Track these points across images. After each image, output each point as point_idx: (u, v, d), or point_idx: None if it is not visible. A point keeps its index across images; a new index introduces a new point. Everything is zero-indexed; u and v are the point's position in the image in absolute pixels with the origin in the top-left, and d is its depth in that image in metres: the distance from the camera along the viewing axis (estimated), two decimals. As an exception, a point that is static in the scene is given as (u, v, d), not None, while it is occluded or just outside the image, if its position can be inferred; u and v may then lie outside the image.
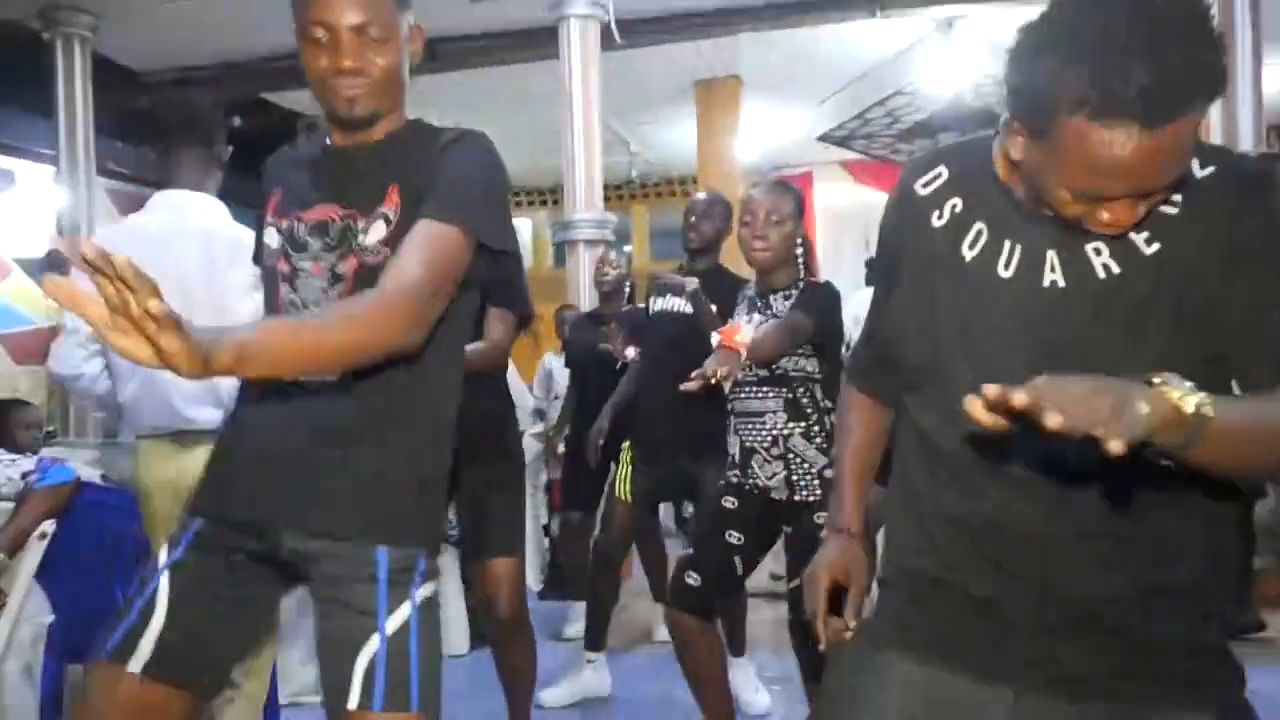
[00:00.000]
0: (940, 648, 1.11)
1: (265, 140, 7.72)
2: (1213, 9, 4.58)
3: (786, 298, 2.42)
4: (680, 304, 2.92)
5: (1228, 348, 1.00)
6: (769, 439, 2.36)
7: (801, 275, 2.44)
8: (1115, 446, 0.80)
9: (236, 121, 7.49)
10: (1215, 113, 4.78)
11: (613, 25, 5.14)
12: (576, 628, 3.71)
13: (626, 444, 3.18)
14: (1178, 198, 1.00)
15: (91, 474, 2.32)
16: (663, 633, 3.75)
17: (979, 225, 1.11)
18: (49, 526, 2.08)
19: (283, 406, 1.35)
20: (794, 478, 2.33)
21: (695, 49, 6.79)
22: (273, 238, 1.43)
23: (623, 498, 3.15)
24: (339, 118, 1.39)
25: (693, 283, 2.53)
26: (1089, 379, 0.86)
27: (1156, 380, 0.86)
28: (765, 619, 3.81)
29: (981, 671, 1.08)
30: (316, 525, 1.33)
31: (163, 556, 1.39)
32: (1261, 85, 4.88)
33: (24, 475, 2.06)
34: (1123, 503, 1.01)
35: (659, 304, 3.08)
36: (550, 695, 3.11)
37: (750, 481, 2.38)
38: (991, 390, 0.82)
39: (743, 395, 2.41)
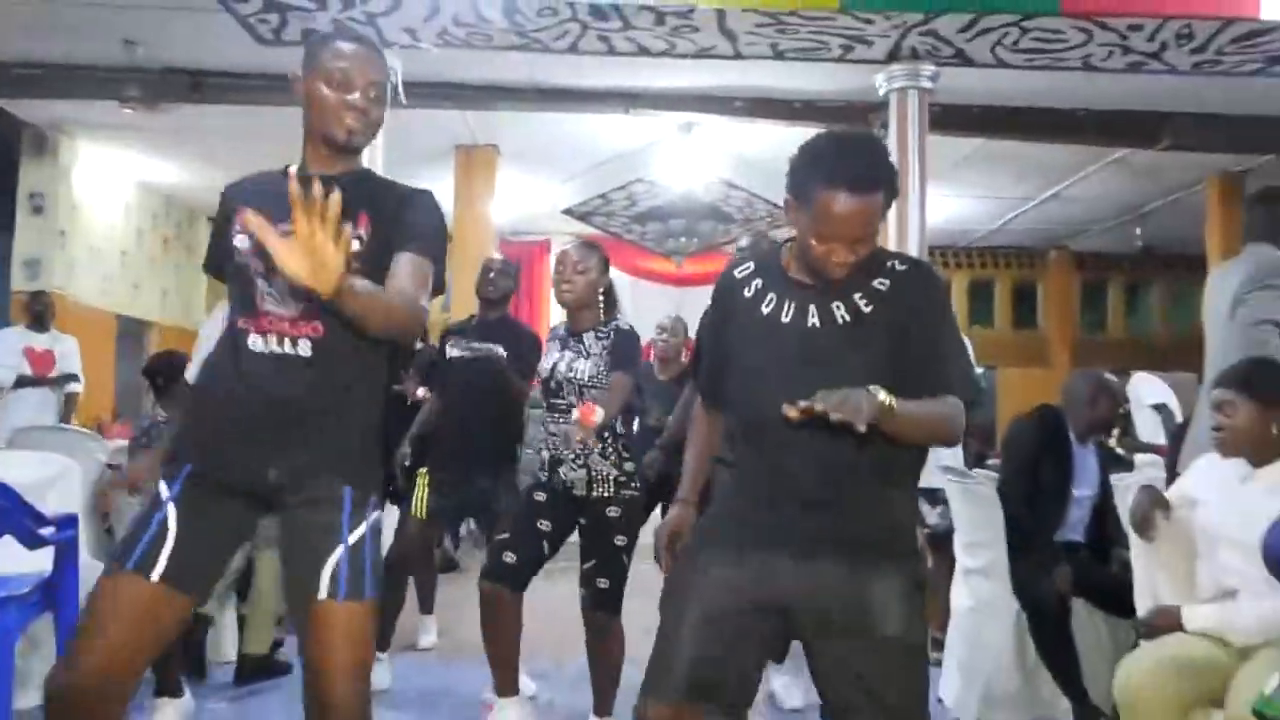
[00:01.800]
0: (739, 534, 1.77)
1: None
2: (890, 151, 5.79)
3: (598, 336, 2.99)
4: (468, 351, 3.48)
5: (913, 369, 1.71)
6: (574, 453, 2.91)
7: (602, 318, 3.03)
8: (861, 427, 1.50)
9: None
10: (893, 233, 5.98)
11: (399, 86, 5.51)
12: None
13: (422, 470, 3.59)
14: (885, 282, 1.76)
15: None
16: (426, 640, 4.14)
17: (771, 294, 1.83)
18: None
19: (279, 370, 1.72)
20: (592, 482, 2.91)
21: (460, 116, 7.25)
22: (244, 243, 1.77)
23: (417, 515, 3.56)
24: (335, 143, 1.78)
25: (498, 353, 3.24)
26: (843, 390, 1.54)
27: (871, 389, 1.56)
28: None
29: (764, 542, 1.75)
30: (300, 463, 1.72)
31: (164, 492, 1.72)
32: (925, 213, 6.15)
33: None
34: (839, 461, 1.72)
35: (453, 350, 3.57)
36: None
37: (557, 482, 2.93)
38: (801, 405, 1.51)
39: (555, 419, 2.96)
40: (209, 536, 1.74)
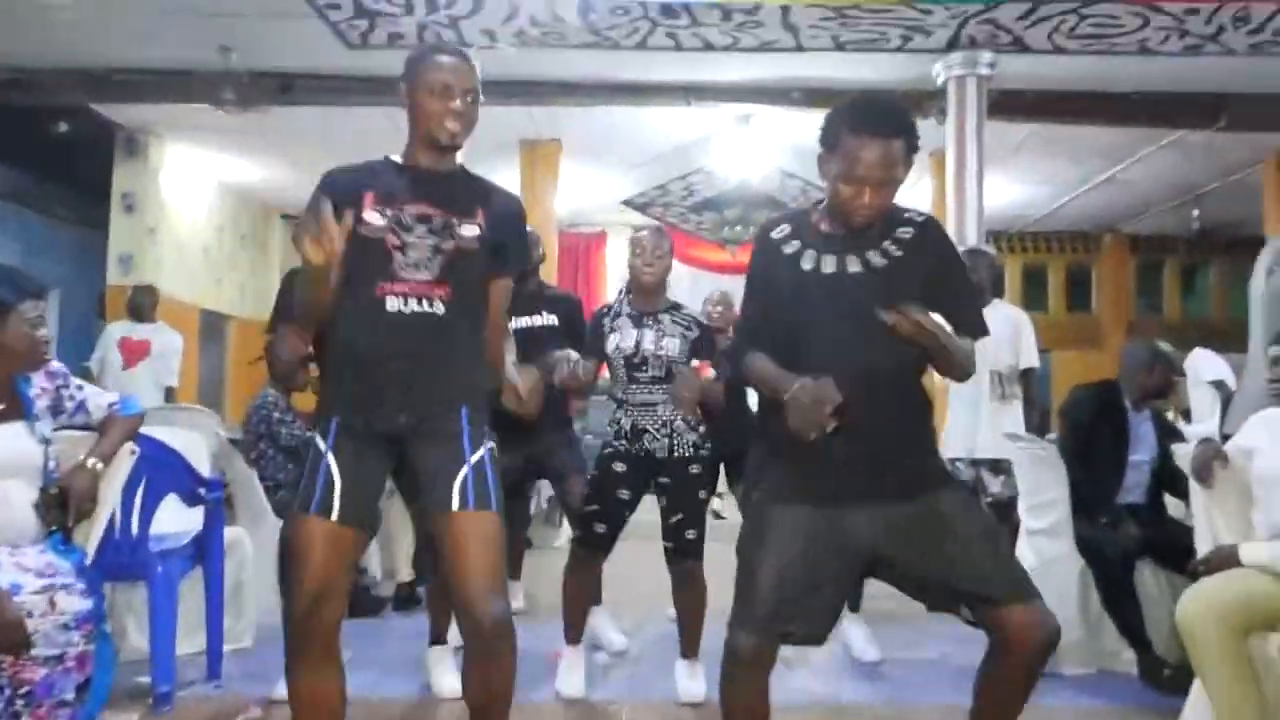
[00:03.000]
0: (812, 490, 1.98)
1: (86, 146, 7.79)
2: (947, 137, 5.94)
3: (674, 320, 3.26)
4: (538, 320, 3.73)
5: (940, 309, 1.95)
6: (659, 422, 3.18)
7: (670, 302, 3.31)
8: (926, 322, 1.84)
9: (63, 127, 7.49)
10: (951, 218, 6.17)
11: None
12: None
13: None
14: (908, 230, 2.02)
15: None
16: (514, 604, 4.42)
17: (810, 250, 2.05)
18: (134, 446, 2.52)
19: (420, 326, 2.02)
20: (674, 445, 3.19)
21: (526, 112, 7.53)
22: (376, 219, 2.03)
23: None
24: (438, 144, 2.07)
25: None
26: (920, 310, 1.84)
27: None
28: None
29: (836, 497, 1.96)
30: (427, 403, 2.03)
31: (321, 445, 2.02)
32: (983, 200, 6.33)
33: (110, 405, 2.49)
34: (894, 380, 1.97)
35: (518, 323, 3.80)
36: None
37: (638, 449, 3.20)
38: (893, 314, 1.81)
39: (637, 391, 3.22)
40: (366, 478, 2.03)
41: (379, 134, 7.32)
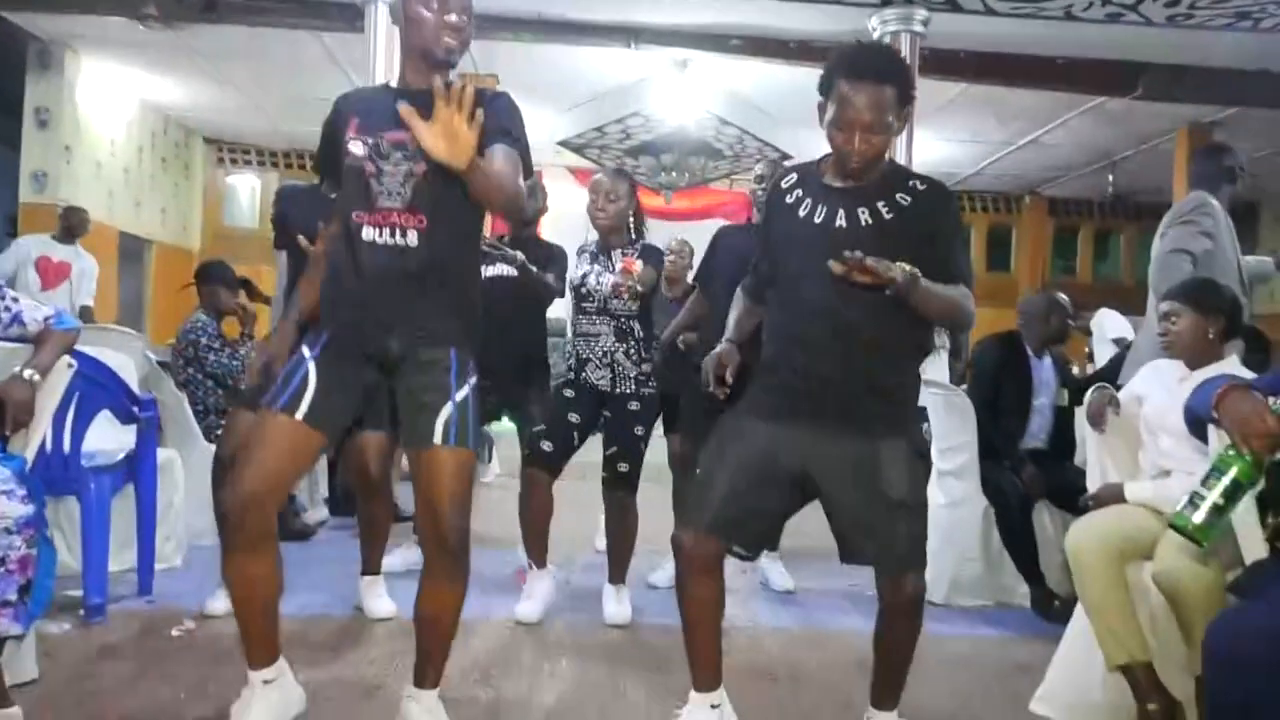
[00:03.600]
0: (773, 409, 2.12)
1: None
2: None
3: (624, 253, 3.35)
4: (507, 270, 3.76)
5: (930, 268, 2.03)
6: (600, 353, 3.28)
7: (633, 238, 3.39)
8: (894, 276, 1.93)
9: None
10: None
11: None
12: None
13: None
14: (907, 197, 2.09)
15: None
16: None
17: (808, 199, 2.15)
18: (70, 359, 2.51)
19: (392, 258, 2.05)
20: (616, 379, 3.29)
21: (463, 45, 7.43)
22: (358, 148, 2.07)
23: None
24: (434, 58, 2.07)
25: (519, 256, 3.43)
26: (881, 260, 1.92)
27: (906, 267, 1.92)
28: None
29: (793, 418, 2.10)
30: (415, 335, 2.08)
31: (306, 352, 2.09)
32: (913, 154, 6.50)
33: (45, 319, 2.47)
34: (868, 335, 2.08)
35: (489, 271, 3.86)
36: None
37: (584, 379, 3.30)
38: (847, 256, 1.90)
39: (583, 322, 3.32)
40: (341, 390, 2.10)
41: (311, 58, 7.26)
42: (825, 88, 2.07)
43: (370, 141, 2.07)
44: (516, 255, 3.58)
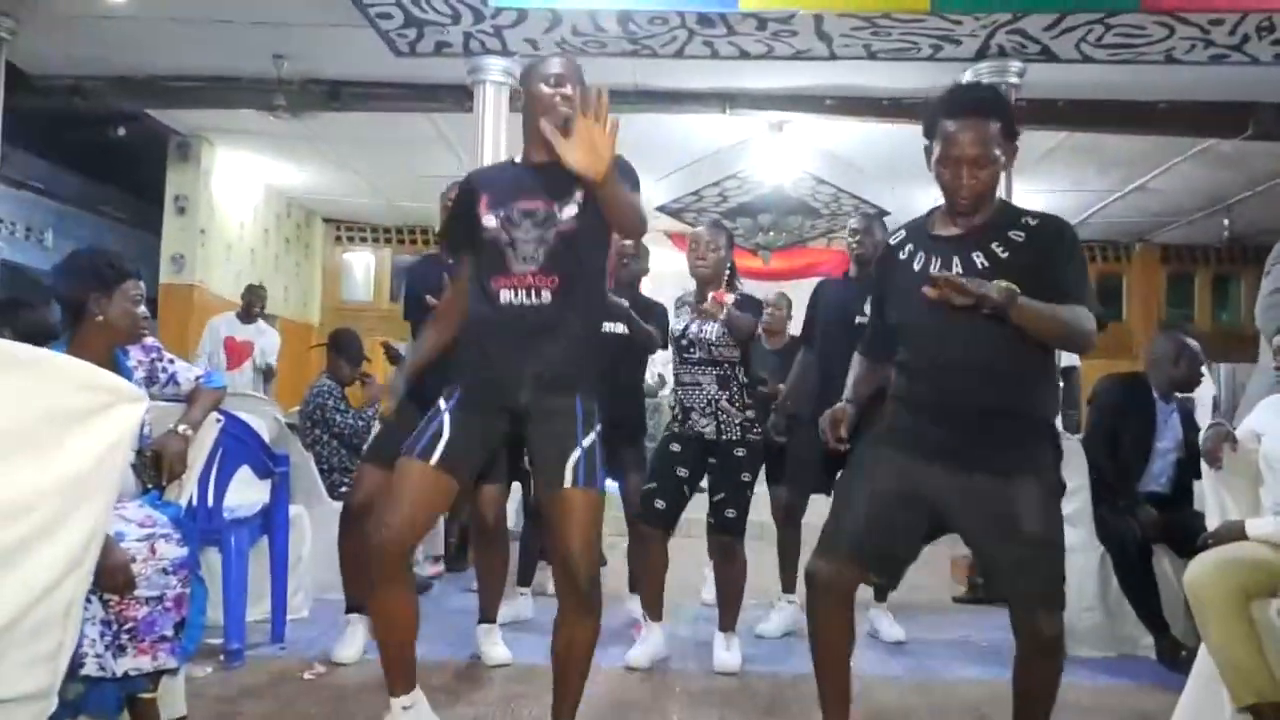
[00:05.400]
0: (907, 444, 2.15)
1: (141, 150, 8.14)
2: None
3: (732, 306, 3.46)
4: (616, 327, 3.90)
5: (1049, 295, 2.02)
6: (704, 401, 3.37)
7: (725, 289, 3.50)
8: (994, 292, 1.91)
9: (121, 131, 7.81)
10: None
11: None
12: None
13: None
14: (1020, 234, 2.11)
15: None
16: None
17: (920, 253, 2.19)
18: (218, 415, 2.74)
19: (527, 315, 2.22)
20: (721, 426, 3.36)
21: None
22: (490, 220, 2.27)
23: None
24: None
25: (624, 303, 3.59)
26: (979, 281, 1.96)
27: (1003, 284, 1.95)
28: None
29: (927, 456, 2.12)
30: (543, 386, 2.23)
31: (443, 404, 2.26)
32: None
33: (197, 378, 2.71)
34: (992, 369, 2.09)
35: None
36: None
37: (689, 429, 3.38)
38: (936, 277, 1.94)
39: (686, 372, 3.41)
40: (473, 439, 2.26)
41: (424, 140, 7.67)
42: (929, 129, 2.12)
43: (502, 214, 2.27)
44: (623, 303, 3.74)
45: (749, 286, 9.41)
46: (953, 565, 5.04)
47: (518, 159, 2.39)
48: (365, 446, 4.07)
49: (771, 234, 9.53)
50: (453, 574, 5.08)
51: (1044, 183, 8.95)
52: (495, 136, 6.04)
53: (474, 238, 2.31)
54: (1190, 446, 3.76)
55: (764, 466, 4.16)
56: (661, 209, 9.20)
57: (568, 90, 2.25)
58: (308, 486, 4.33)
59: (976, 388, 2.09)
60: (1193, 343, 3.92)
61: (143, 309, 2.57)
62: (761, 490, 4.20)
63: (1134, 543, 3.61)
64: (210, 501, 3.16)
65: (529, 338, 2.23)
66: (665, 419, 5.05)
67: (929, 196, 2.34)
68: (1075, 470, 3.81)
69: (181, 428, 2.57)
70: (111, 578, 2.09)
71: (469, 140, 6.34)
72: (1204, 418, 5.68)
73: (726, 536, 3.38)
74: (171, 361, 2.68)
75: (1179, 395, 3.94)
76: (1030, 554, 2.06)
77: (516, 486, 4.20)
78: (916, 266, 2.17)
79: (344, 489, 4.28)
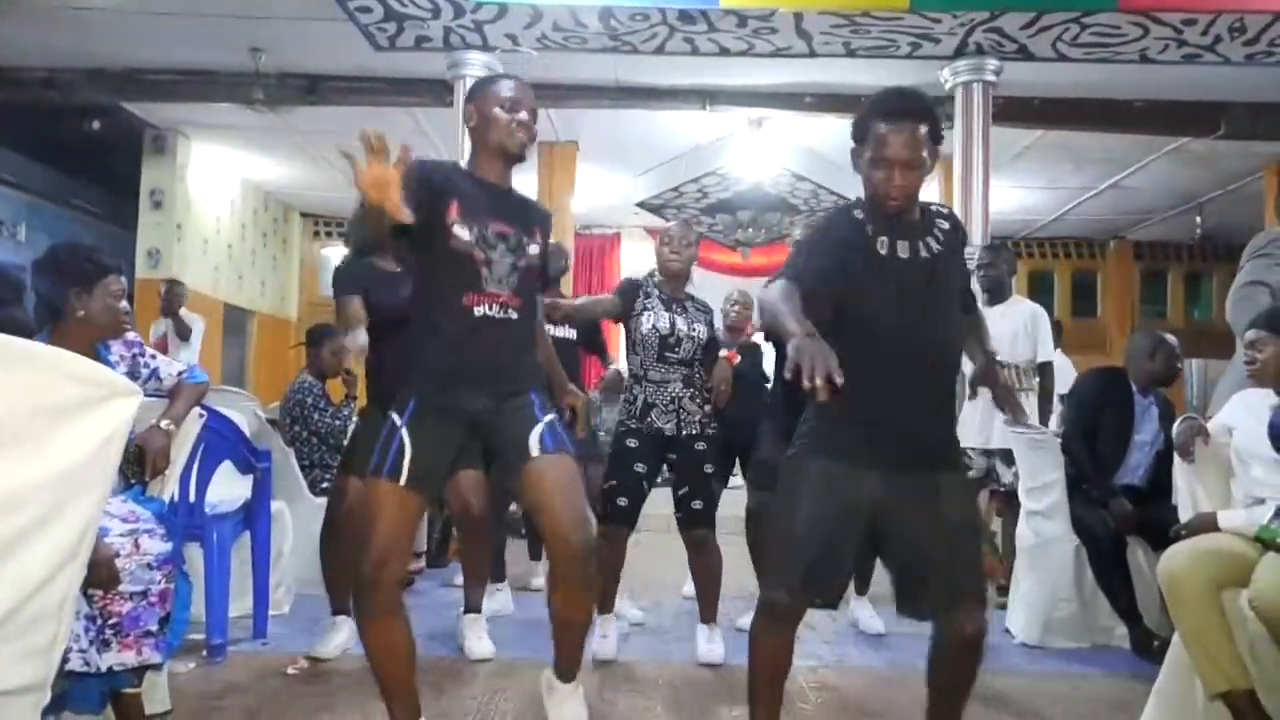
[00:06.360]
0: (839, 451, 2.13)
1: (116, 144, 8.09)
2: (954, 140, 6.13)
3: (696, 307, 3.52)
4: (565, 332, 3.96)
5: (960, 298, 2.20)
6: (667, 399, 3.40)
7: (688, 292, 3.55)
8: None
9: (95, 125, 7.73)
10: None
11: (499, 88, 6.03)
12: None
13: None
14: (944, 223, 2.19)
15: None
16: (537, 582, 4.62)
17: (884, 237, 2.15)
18: (200, 410, 2.73)
19: (499, 329, 2.28)
20: (681, 423, 3.41)
21: (545, 115, 7.74)
22: (464, 232, 2.25)
23: None
24: (508, 153, 2.30)
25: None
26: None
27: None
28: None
29: (863, 463, 2.11)
30: (504, 388, 2.29)
31: (396, 419, 2.24)
32: (989, 204, 6.52)
33: (179, 373, 2.70)
34: (923, 376, 2.14)
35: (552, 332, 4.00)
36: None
37: (648, 425, 3.40)
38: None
39: (657, 369, 3.42)
40: (435, 452, 2.25)
41: (403, 134, 7.57)
42: (860, 133, 2.14)
43: (476, 231, 2.27)
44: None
45: (730, 282, 9.47)
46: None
47: (464, 165, 2.39)
48: (344, 446, 4.05)
49: (751, 230, 9.57)
50: (434, 570, 5.08)
51: (1019, 180, 9.03)
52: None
53: (434, 239, 2.25)
54: (1169, 440, 3.83)
55: (735, 460, 4.21)
56: (642, 205, 9.21)
57: (523, 116, 2.30)
58: (289, 482, 4.32)
59: (922, 380, 2.13)
60: (1169, 338, 4.00)
61: (124, 304, 2.56)
62: (738, 485, 4.24)
63: (1108, 535, 3.67)
64: (192, 497, 3.15)
65: (496, 348, 2.28)
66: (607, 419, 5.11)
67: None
68: (1051, 464, 3.87)
69: (164, 423, 2.57)
70: (96, 573, 2.09)
71: (449, 135, 6.34)
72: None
73: (698, 530, 3.40)
74: (154, 357, 2.67)
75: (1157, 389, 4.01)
76: (961, 547, 2.09)
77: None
78: (883, 251, 2.14)
79: (325, 485, 4.27)
